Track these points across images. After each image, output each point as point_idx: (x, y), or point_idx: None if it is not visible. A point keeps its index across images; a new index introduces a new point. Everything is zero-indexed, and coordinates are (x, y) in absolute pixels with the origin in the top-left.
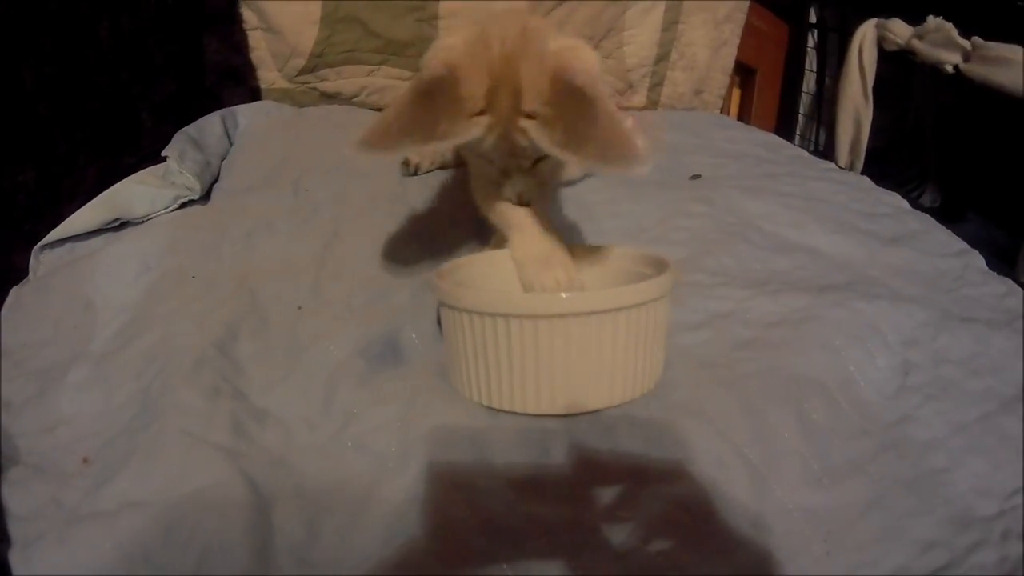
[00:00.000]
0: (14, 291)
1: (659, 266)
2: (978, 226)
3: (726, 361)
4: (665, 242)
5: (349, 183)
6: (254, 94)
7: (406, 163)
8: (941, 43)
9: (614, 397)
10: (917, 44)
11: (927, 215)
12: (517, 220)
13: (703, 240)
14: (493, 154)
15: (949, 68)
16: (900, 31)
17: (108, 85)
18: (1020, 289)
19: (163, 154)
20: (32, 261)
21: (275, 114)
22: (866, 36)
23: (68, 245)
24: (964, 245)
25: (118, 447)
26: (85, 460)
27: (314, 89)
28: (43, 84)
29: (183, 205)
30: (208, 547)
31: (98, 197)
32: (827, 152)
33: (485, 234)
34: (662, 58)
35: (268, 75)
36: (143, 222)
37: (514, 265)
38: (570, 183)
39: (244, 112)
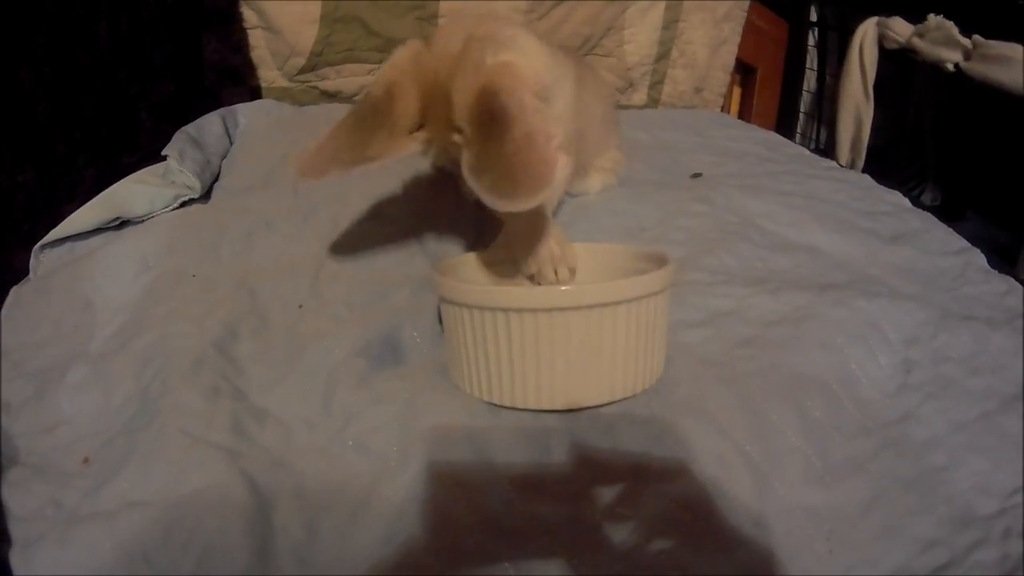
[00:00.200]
0: (14, 291)
1: (659, 262)
2: (978, 224)
3: (727, 359)
4: (665, 241)
5: (348, 182)
6: (254, 93)
7: None
8: (942, 41)
9: (615, 392)
10: (918, 42)
11: (928, 213)
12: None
13: (703, 239)
14: (441, 164)
15: (950, 66)
16: (901, 29)
17: (107, 85)
18: (1021, 287)
19: (163, 153)
20: (32, 260)
21: (275, 113)
22: (867, 34)
23: (68, 244)
24: (965, 243)
25: (118, 447)
26: (85, 460)
27: (314, 88)
28: (42, 84)
29: (183, 204)
30: (208, 547)
31: (98, 196)
32: (828, 150)
33: (484, 232)
34: (662, 56)
35: (268, 74)
36: (143, 221)
37: (514, 260)
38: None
39: (244, 111)
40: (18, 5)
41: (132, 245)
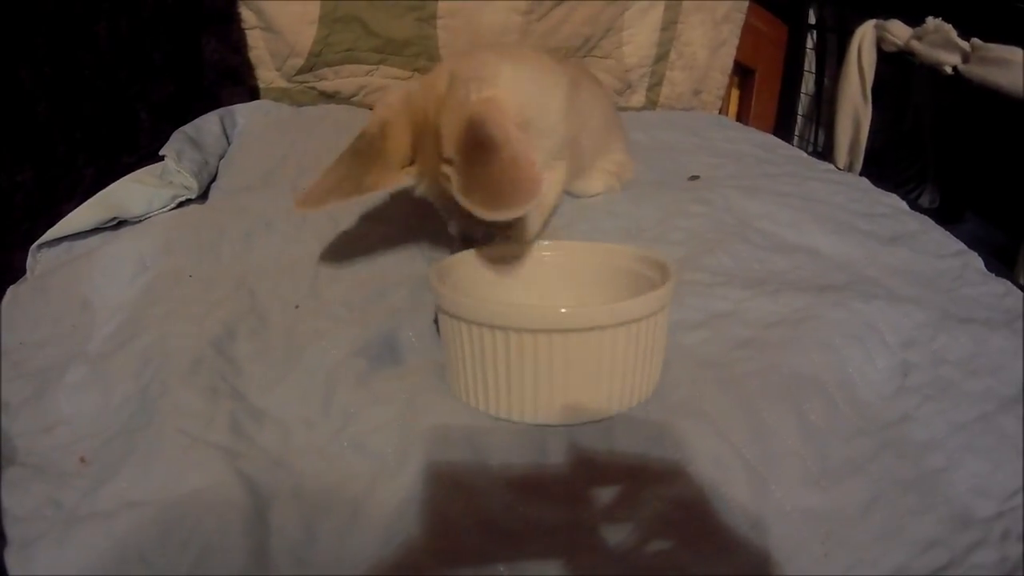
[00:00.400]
0: (11, 290)
1: (660, 268)
2: (976, 227)
3: (725, 361)
4: (664, 242)
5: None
6: (252, 93)
7: None
8: (940, 44)
9: (612, 407)
10: (916, 45)
11: (925, 216)
12: None
13: (702, 240)
14: (429, 198)
15: (948, 69)
16: (899, 32)
17: (106, 85)
18: (1019, 289)
19: (161, 153)
20: (30, 260)
21: (273, 113)
22: (865, 37)
23: (66, 244)
24: (962, 246)
25: (116, 447)
26: (83, 460)
27: (312, 88)
28: (41, 84)
29: (181, 204)
30: (206, 547)
31: (95, 196)
32: (826, 153)
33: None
34: (661, 58)
35: (267, 74)
36: (140, 221)
37: (512, 258)
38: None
39: (242, 111)
40: (18, 5)
41: (130, 245)
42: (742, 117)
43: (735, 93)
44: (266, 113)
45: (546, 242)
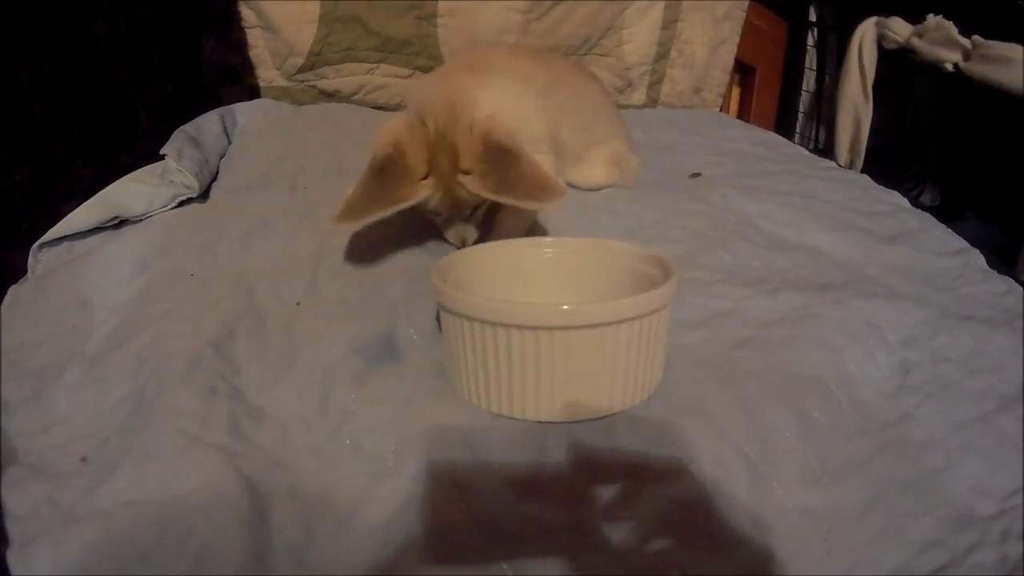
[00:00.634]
0: (12, 290)
1: (662, 266)
2: (977, 225)
3: (726, 360)
4: (664, 240)
5: (345, 180)
6: (252, 92)
7: None
8: (941, 42)
9: (614, 404)
10: (917, 42)
11: (926, 213)
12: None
13: (702, 237)
14: (440, 207)
15: (949, 67)
16: (900, 29)
17: (105, 85)
18: (1020, 288)
19: (161, 152)
20: (31, 259)
21: (274, 112)
22: (866, 34)
23: (66, 244)
24: (964, 243)
25: (114, 447)
26: (83, 459)
27: (313, 87)
28: (40, 84)
29: (181, 203)
30: (204, 547)
31: (96, 196)
32: (826, 150)
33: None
34: (661, 56)
35: (267, 73)
36: (141, 221)
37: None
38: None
39: (243, 110)
40: (17, 5)
41: (130, 244)
42: (743, 115)
43: (736, 91)
44: (266, 112)
45: (548, 239)
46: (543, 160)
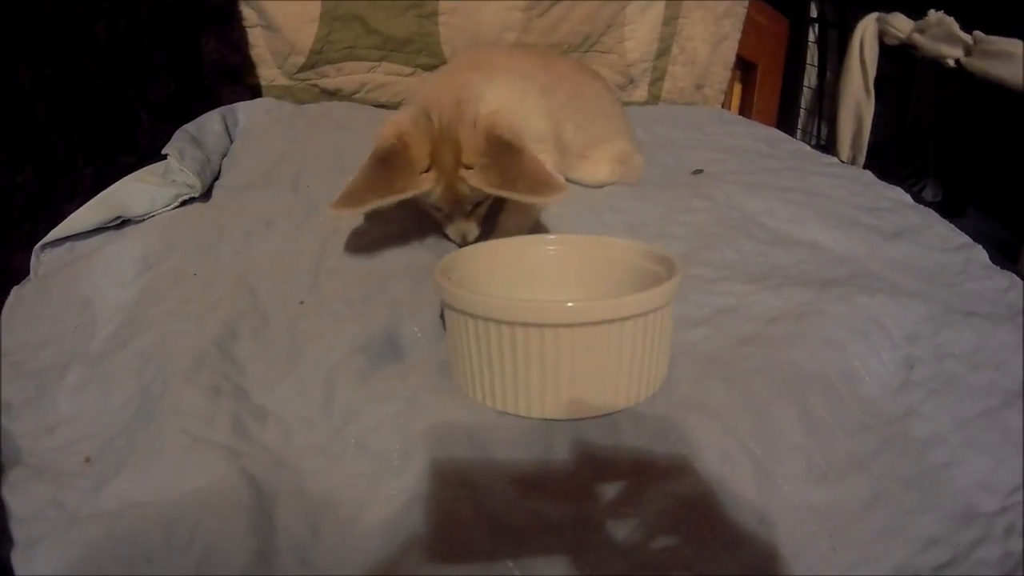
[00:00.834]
0: (15, 291)
1: (666, 263)
2: (979, 221)
3: (730, 356)
4: (667, 237)
5: (347, 179)
6: (253, 92)
7: None
8: (942, 37)
9: (619, 402)
10: (918, 38)
11: (929, 209)
12: None
13: (704, 234)
14: (441, 202)
15: (950, 62)
16: (901, 25)
17: (106, 85)
18: (1022, 283)
19: (163, 152)
20: (33, 260)
21: (275, 111)
22: (867, 30)
23: (68, 244)
24: (966, 239)
25: (118, 447)
26: (87, 460)
27: (314, 86)
28: (40, 84)
29: (184, 203)
30: (209, 547)
31: (98, 196)
32: (828, 147)
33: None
34: (663, 53)
35: (268, 72)
36: (143, 220)
37: (517, 254)
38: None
39: (244, 109)
40: (17, 5)
41: (132, 244)
42: (744, 111)
43: (737, 88)
44: (268, 111)
45: (551, 236)
46: (546, 159)
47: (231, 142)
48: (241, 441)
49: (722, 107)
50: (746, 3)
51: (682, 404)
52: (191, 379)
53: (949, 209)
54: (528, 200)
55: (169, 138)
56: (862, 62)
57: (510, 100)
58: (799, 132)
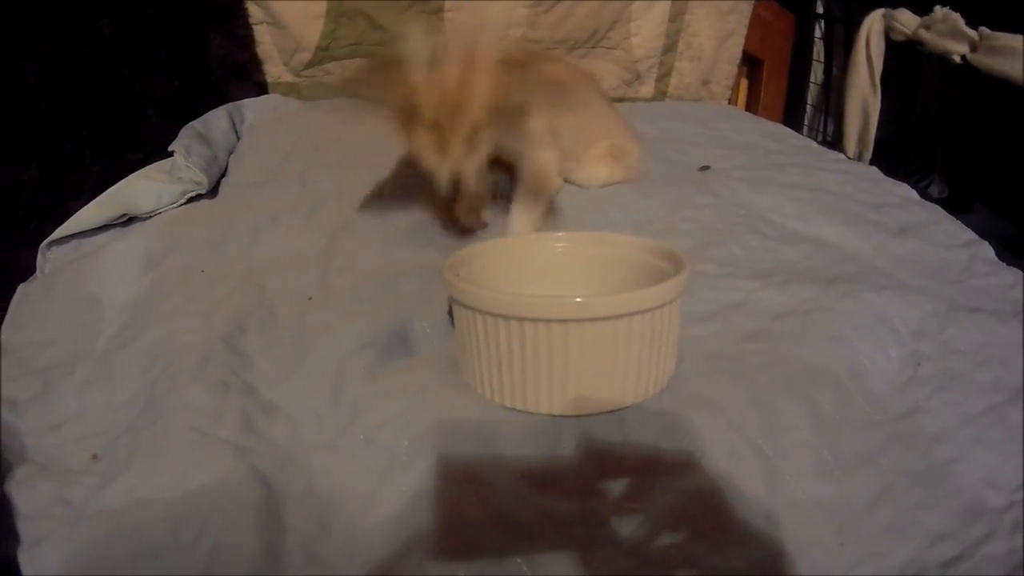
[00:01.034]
0: (21, 288)
1: (673, 259)
2: (985, 217)
3: (736, 352)
4: (673, 233)
5: (354, 175)
6: (260, 88)
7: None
8: (948, 33)
9: (627, 397)
10: (924, 34)
11: (935, 206)
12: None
13: (711, 230)
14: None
15: (956, 58)
16: (907, 21)
17: (111, 82)
18: None
19: (170, 149)
20: (39, 258)
21: (281, 108)
22: (873, 26)
23: (75, 241)
24: (972, 236)
25: (125, 444)
26: (94, 457)
27: (320, 83)
28: (45, 82)
29: (191, 200)
30: (217, 543)
31: (104, 193)
32: (835, 143)
33: (488, 231)
34: (669, 49)
35: (274, 69)
36: (150, 217)
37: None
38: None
39: (251, 106)
40: (21, 3)
41: (139, 242)
42: (751, 107)
43: (743, 84)
44: (274, 108)
45: (558, 233)
46: (550, 153)
47: (238, 139)
48: (249, 437)
49: (728, 103)
50: None
51: (689, 400)
52: (198, 375)
53: (955, 206)
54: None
55: (175, 135)
56: (868, 58)
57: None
58: (805, 128)
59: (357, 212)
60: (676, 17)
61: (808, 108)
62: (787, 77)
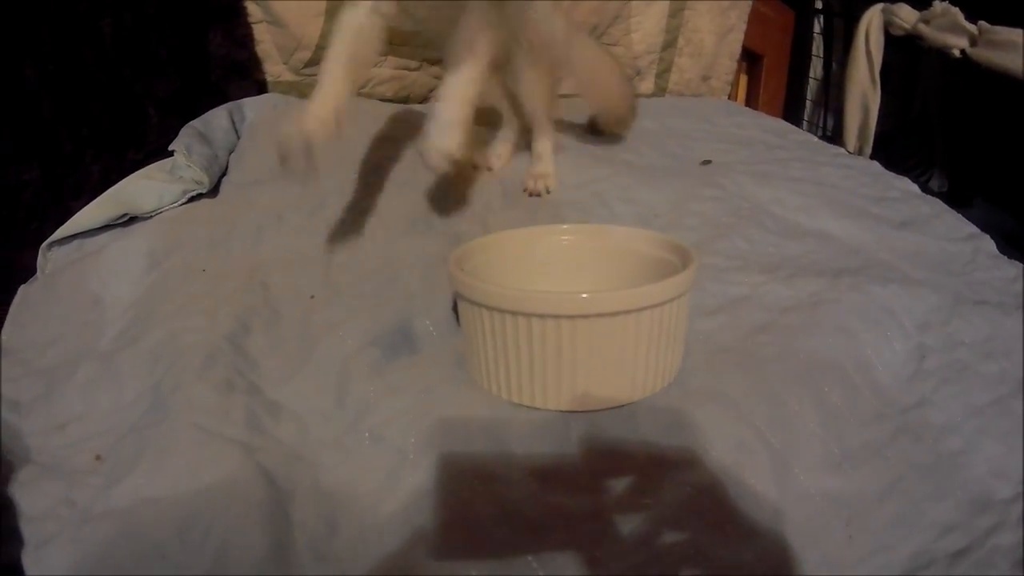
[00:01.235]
0: (22, 289)
1: (680, 253)
2: (985, 211)
3: (744, 346)
4: (678, 227)
5: (356, 173)
6: (260, 87)
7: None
8: (948, 27)
9: (635, 393)
10: (924, 29)
11: (937, 199)
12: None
13: (716, 224)
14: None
15: (956, 52)
16: (906, 16)
17: (112, 81)
18: None
19: (170, 148)
20: (40, 258)
21: (282, 106)
22: (873, 21)
23: (76, 242)
24: (974, 229)
25: (130, 444)
26: (98, 457)
27: None
28: (46, 82)
29: (192, 199)
30: (225, 542)
31: (105, 193)
32: (835, 137)
33: (491, 219)
34: (669, 45)
35: (274, 68)
36: (151, 217)
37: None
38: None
39: (251, 105)
40: (22, 3)
41: (140, 241)
42: (751, 103)
43: (743, 79)
44: (275, 106)
45: (564, 226)
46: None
47: (238, 138)
48: (255, 435)
49: (728, 99)
50: None
51: (698, 394)
52: (203, 374)
53: (955, 199)
54: None
55: (176, 134)
56: (868, 53)
57: None
58: (805, 123)
59: (359, 210)
60: (676, 13)
61: (808, 103)
62: (787, 72)
